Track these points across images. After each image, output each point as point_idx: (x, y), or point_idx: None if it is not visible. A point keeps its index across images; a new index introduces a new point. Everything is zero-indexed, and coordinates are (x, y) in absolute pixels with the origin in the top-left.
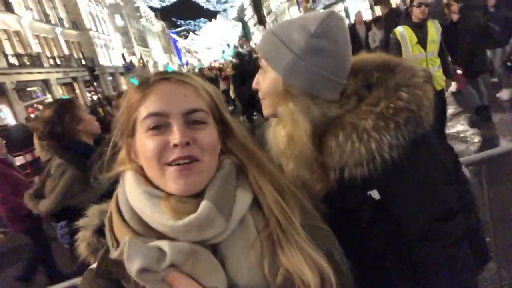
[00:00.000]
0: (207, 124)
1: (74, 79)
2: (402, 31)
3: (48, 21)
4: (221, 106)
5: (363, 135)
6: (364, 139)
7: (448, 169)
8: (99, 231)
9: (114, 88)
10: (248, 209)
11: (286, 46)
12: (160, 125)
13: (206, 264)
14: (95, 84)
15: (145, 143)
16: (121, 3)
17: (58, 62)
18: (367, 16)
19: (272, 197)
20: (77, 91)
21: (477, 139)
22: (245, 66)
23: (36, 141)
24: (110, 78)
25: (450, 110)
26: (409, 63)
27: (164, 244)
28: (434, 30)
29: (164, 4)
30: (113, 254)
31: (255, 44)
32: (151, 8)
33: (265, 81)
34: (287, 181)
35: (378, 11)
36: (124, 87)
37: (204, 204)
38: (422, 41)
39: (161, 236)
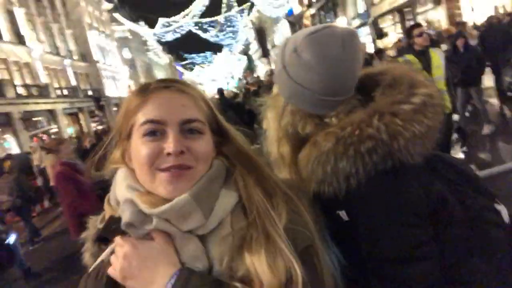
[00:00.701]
0: (202, 134)
1: (80, 109)
2: (407, 59)
3: (58, 53)
4: (218, 115)
5: (322, 157)
6: (321, 160)
7: (423, 211)
8: (99, 239)
9: None
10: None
11: (280, 56)
12: (156, 132)
13: (188, 246)
14: (101, 114)
15: (140, 148)
16: (130, 37)
17: (65, 92)
18: (370, 49)
19: (258, 199)
20: (82, 121)
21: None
22: (225, 100)
23: None
24: (115, 108)
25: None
26: (421, 82)
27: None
28: (437, 56)
29: (173, 38)
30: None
31: (257, 76)
32: (159, 42)
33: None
34: (284, 185)
35: (379, 44)
36: None
37: (182, 197)
38: (428, 68)
39: None
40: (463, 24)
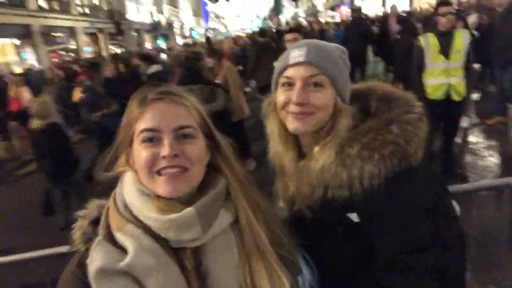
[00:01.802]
0: (195, 138)
1: (100, 30)
2: (426, 39)
3: None
4: (209, 122)
5: (347, 160)
6: (347, 164)
7: (428, 206)
8: (95, 222)
9: (138, 44)
10: (228, 227)
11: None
12: (153, 139)
13: (168, 279)
14: (119, 38)
15: (140, 153)
16: None
17: (87, 11)
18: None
19: (248, 217)
20: (101, 43)
21: (494, 154)
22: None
23: None
24: (135, 34)
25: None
26: (410, 97)
27: (130, 245)
28: (461, 39)
29: None
30: (98, 239)
31: (285, 18)
32: None
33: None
34: (265, 202)
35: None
36: (148, 44)
37: (188, 209)
38: (447, 50)
39: (146, 229)
40: None
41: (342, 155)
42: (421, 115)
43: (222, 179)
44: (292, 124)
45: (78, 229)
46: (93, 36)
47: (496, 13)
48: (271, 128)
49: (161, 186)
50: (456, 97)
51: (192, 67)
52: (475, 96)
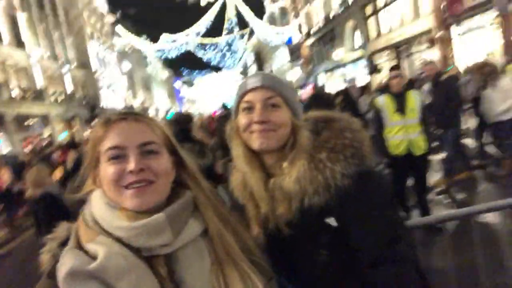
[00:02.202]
0: (159, 153)
1: (74, 116)
2: (382, 100)
3: (56, 60)
4: (172, 139)
5: (319, 164)
6: (320, 168)
7: (392, 200)
8: (65, 244)
9: None
10: (199, 236)
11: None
12: (119, 156)
13: (141, 281)
14: (94, 122)
15: (107, 170)
16: (130, 50)
17: (61, 98)
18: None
19: (216, 227)
20: (75, 128)
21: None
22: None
23: None
24: None
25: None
26: (347, 116)
27: (100, 250)
28: (413, 98)
29: (174, 54)
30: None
31: None
32: (160, 57)
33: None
34: (233, 216)
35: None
36: None
37: (159, 214)
38: (402, 110)
39: (117, 240)
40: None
41: (314, 161)
42: (362, 125)
43: (189, 192)
44: (256, 141)
45: (47, 252)
46: (67, 122)
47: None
48: (236, 151)
49: (129, 200)
50: (417, 152)
51: (184, 127)
52: (441, 155)
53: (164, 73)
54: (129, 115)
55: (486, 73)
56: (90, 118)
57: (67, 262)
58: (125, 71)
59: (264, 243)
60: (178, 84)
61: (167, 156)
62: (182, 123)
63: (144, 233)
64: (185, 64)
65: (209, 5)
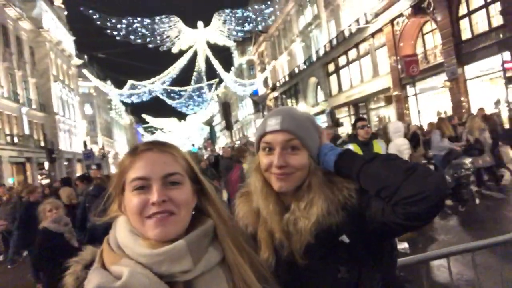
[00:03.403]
0: (182, 184)
1: (28, 159)
2: (350, 147)
3: (16, 100)
4: (195, 168)
5: (338, 185)
6: (340, 188)
7: None
8: (90, 267)
9: (68, 173)
10: (218, 264)
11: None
12: (143, 187)
13: None
14: (49, 166)
15: (131, 199)
16: (94, 94)
17: (16, 140)
18: None
19: (234, 256)
20: (28, 172)
21: None
22: None
23: None
24: (66, 163)
25: None
26: None
27: (125, 270)
28: (379, 146)
29: (139, 100)
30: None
31: (219, 147)
32: (123, 102)
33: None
34: (248, 244)
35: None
36: (78, 173)
37: (179, 242)
38: None
39: (139, 264)
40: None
41: (331, 187)
42: None
43: (210, 220)
44: (276, 185)
45: (71, 275)
46: (19, 166)
47: None
48: (255, 185)
49: (151, 230)
50: None
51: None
52: None
53: (127, 119)
54: (155, 145)
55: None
56: (48, 161)
57: (93, 280)
58: (88, 114)
59: (278, 269)
60: (140, 130)
61: (189, 185)
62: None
63: (166, 260)
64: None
65: (180, 54)
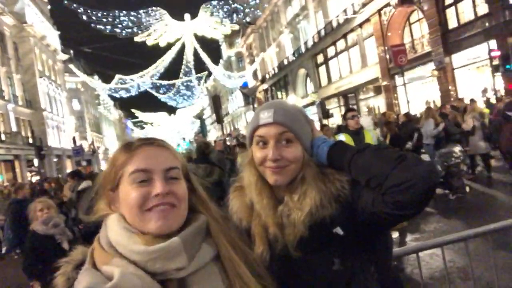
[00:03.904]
0: (180, 179)
1: (17, 157)
2: (342, 137)
3: (1, 97)
4: (187, 166)
5: (330, 176)
6: (331, 179)
7: None
8: (80, 267)
9: (57, 170)
10: (212, 261)
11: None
12: (144, 180)
13: None
14: (38, 163)
15: (130, 192)
16: (82, 89)
17: (3, 138)
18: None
19: (227, 252)
20: (17, 169)
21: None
22: None
23: None
24: (55, 159)
25: None
26: None
27: (116, 271)
28: (369, 135)
29: (128, 95)
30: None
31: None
32: (112, 97)
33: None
34: (241, 240)
35: (325, 122)
36: (68, 170)
37: (174, 239)
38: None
39: (132, 263)
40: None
41: (325, 174)
42: None
43: (202, 216)
44: (271, 178)
45: (61, 275)
46: (8, 163)
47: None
48: (248, 179)
49: (153, 222)
50: None
51: (204, 152)
52: None
53: (115, 113)
54: (156, 140)
55: None
56: (37, 158)
57: (83, 280)
58: (76, 109)
59: (273, 264)
60: (129, 124)
61: (183, 182)
62: (203, 148)
63: (161, 258)
64: (139, 105)
65: (168, 47)
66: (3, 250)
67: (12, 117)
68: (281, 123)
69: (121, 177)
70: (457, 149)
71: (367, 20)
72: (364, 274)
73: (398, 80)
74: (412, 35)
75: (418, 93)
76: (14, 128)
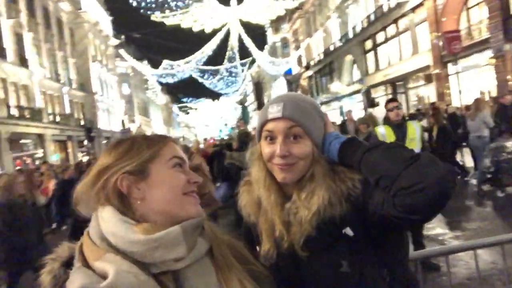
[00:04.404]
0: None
1: (69, 137)
2: (382, 130)
3: (57, 80)
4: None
5: (341, 175)
6: (342, 178)
7: None
8: (68, 264)
9: None
10: (205, 253)
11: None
12: (182, 164)
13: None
14: (88, 144)
15: (175, 176)
16: (131, 74)
17: (58, 119)
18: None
19: (220, 245)
20: (70, 149)
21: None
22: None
23: None
24: (105, 141)
25: None
26: None
27: (110, 269)
28: (413, 129)
29: (174, 80)
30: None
31: (253, 128)
32: (159, 82)
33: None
34: (234, 239)
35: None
36: None
37: (175, 227)
38: (402, 140)
39: (126, 256)
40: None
41: (336, 173)
42: None
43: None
44: (279, 175)
45: (48, 273)
46: (61, 143)
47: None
48: (256, 175)
49: (192, 204)
50: None
51: (243, 139)
52: None
53: (163, 98)
54: (175, 140)
55: None
56: (87, 139)
57: (76, 281)
58: (125, 93)
59: (280, 263)
60: (175, 109)
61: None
62: (243, 137)
63: (161, 246)
64: (185, 91)
65: (214, 33)
66: (54, 225)
67: (66, 100)
68: (290, 117)
69: (153, 161)
70: (509, 143)
71: (420, 4)
72: (374, 277)
73: (451, 68)
74: (469, 20)
75: (471, 83)
76: (67, 110)
